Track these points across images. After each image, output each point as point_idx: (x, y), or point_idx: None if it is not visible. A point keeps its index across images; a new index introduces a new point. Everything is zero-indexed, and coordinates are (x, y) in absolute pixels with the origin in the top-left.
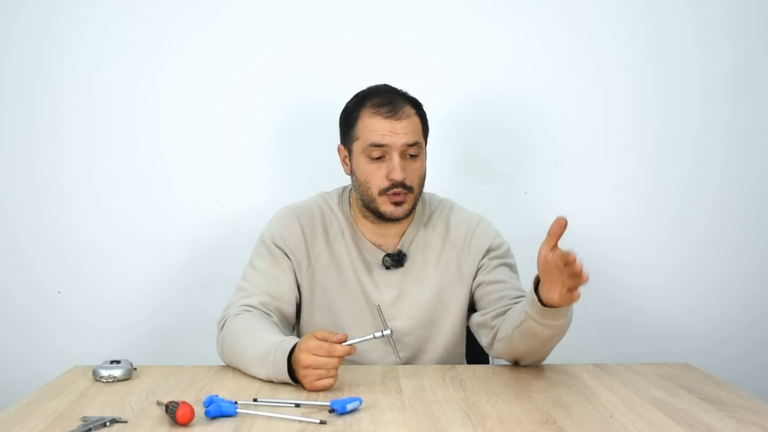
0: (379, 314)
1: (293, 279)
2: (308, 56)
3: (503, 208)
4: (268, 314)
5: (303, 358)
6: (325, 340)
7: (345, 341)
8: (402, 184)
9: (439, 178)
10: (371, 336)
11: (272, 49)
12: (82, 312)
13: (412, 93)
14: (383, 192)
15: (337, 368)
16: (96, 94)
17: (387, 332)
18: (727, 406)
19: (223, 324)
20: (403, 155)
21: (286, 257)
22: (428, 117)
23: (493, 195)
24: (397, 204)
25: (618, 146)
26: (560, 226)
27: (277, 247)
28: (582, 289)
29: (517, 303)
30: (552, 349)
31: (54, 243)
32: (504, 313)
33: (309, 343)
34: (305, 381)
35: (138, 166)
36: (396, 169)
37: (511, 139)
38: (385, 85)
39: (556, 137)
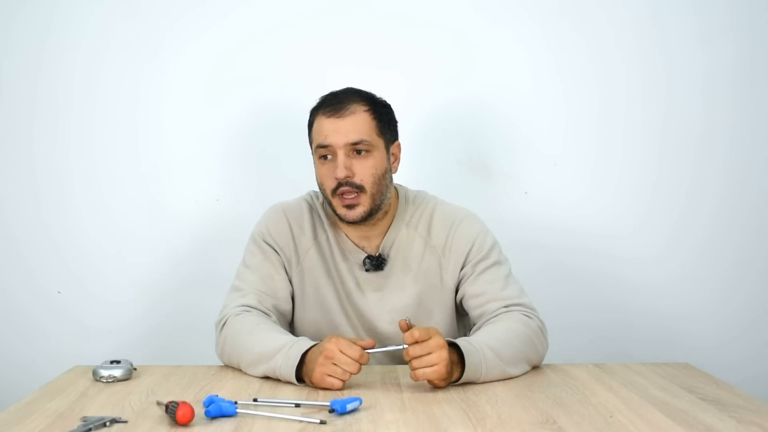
0: (408, 326)
1: (285, 275)
2: (308, 56)
3: (503, 208)
4: (266, 314)
5: (330, 347)
6: (355, 344)
7: (373, 347)
8: (350, 183)
9: (439, 177)
10: (401, 347)
11: (272, 49)
12: (82, 312)
13: (410, 94)
14: (334, 193)
15: (351, 374)
16: (96, 94)
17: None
18: (727, 406)
19: (223, 324)
20: (349, 154)
21: (276, 254)
22: (428, 117)
23: (493, 195)
24: (349, 207)
25: (619, 146)
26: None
27: (267, 244)
28: (582, 290)
29: (497, 316)
30: (518, 371)
31: (54, 243)
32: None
33: (341, 339)
34: (318, 369)
35: (138, 166)
36: (339, 167)
37: (512, 138)
38: (348, 87)
39: (557, 137)
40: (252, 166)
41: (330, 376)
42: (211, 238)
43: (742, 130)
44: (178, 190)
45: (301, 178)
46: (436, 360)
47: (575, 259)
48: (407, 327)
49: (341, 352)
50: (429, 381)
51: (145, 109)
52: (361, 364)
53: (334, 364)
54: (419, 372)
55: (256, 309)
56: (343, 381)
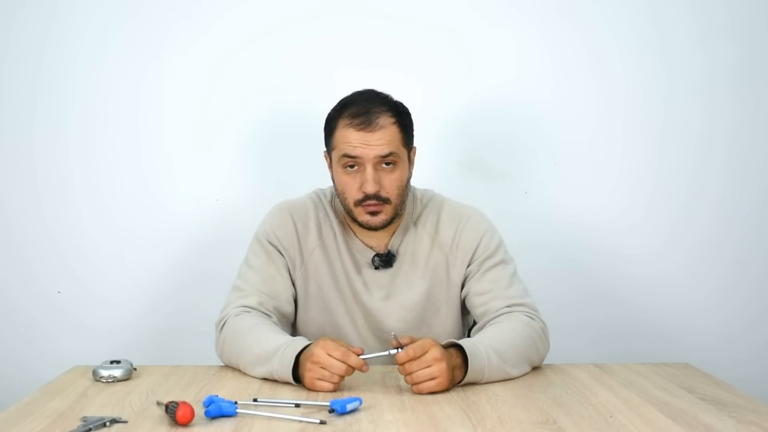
0: (398, 343)
1: (288, 276)
2: (309, 57)
3: (503, 208)
4: (267, 315)
5: (316, 352)
6: (342, 346)
7: (361, 354)
8: (377, 196)
9: (439, 177)
10: (386, 352)
11: (273, 50)
12: (82, 312)
13: (410, 94)
14: (358, 203)
15: (342, 377)
16: (96, 95)
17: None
18: (727, 406)
19: (223, 324)
20: (377, 167)
21: (280, 255)
22: (429, 117)
23: (493, 195)
24: (372, 214)
25: (619, 146)
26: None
27: (272, 244)
28: (582, 290)
29: (500, 315)
30: (519, 371)
31: (54, 243)
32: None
33: (327, 342)
34: (307, 375)
35: (138, 166)
36: (368, 181)
37: (512, 139)
38: (369, 91)
39: (557, 137)
40: (252, 167)
41: (320, 379)
42: (211, 238)
43: (742, 129)
44: (178, 190)
45: (301, 178)
46: (437, 373)
47: (575, 257)
48: (398, 344)
49: (328, 354)
50: None
51: (146, 109)
52: (349, 366)
53: (323, 368)
54: (422, 386)
55: (256, 310)
56: (334, 383)
